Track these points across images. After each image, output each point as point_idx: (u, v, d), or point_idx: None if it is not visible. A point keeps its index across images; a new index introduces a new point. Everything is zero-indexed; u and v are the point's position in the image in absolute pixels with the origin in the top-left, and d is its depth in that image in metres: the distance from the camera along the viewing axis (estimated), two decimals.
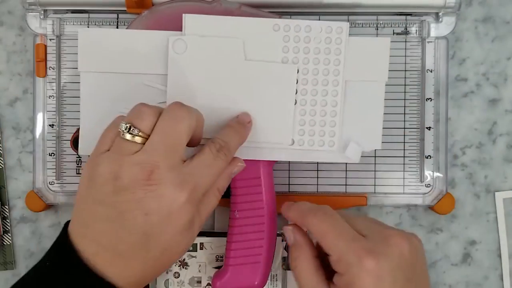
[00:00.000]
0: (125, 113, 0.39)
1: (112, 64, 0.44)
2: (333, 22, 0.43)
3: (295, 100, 0.44)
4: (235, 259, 0.45)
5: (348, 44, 0.44)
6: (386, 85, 0.50)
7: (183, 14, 0.43)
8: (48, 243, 0.53)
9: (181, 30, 0.43)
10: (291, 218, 0.42)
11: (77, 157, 0.51)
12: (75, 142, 0.49)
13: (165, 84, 0.43)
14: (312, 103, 0.44)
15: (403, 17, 0.50)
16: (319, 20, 0.50)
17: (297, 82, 0.44)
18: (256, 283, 0.45)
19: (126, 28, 0.45)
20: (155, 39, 0.43)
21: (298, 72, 0.44)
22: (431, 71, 0.50)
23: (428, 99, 0.50)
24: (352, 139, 0.45)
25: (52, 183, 0.51)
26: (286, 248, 0.51)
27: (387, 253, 0.36)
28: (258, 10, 0.46)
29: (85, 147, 0.44)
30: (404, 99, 0.51)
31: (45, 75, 0.50)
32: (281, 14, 0.46)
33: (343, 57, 0.44)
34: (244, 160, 0.43)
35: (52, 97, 0.50)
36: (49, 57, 0.50)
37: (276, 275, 0.50)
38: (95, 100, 0.44)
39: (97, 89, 0.44)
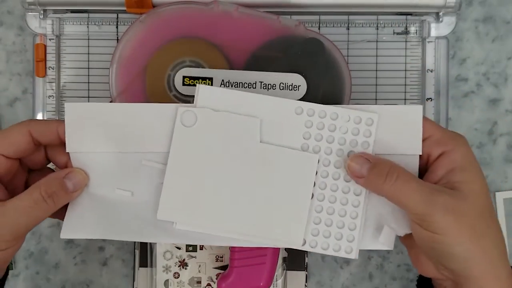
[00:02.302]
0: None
1: (105, 143, 0.39)
2: (363, 112, 0.39)
3: (312, 194, 0.39)
4: (240, 260, 0.45)
5: (376, 137, 0.39)
6: (387, 85, 0.50)
7: (197, 84, 0.39)
8: (47, 243, 0.53)
9: (180, 34, 0.42)
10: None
11: None
12: None
13: (165, 163, 0.39)
14: (331, 199, 0.39)
15: (403, 17, 0.50)
16: (318, 20, 0.50)
17: (316, 174, 0.39)
18: (261, 284, 0.45)
19: (125, 31, 0.45)
20: (159, 112, 0.39)
21: (318, 162, 0.39)
22: (432, 71, 0.50)
23: (429, 99, 0.50)
24: (383, 221, 0.39)
25: None
26: (286, 248, 0.51)
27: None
28: (255, 10, 0.46)
29: (70, 232, 0.40)
30: (405, 99, 0.50)
31: (44, 75, 0.50)
32: (279, 14, 0.46)
33: (371, 151, 0.39)
34: None
35: (52, 97, 0.50)
36: (48, 57, 0.50)
37: (277, 275, 0.50)
38: (90, 182, 0.40)
39: (91, 170, 0.40)
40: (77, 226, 0.40)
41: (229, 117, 0.39)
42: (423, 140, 0.39)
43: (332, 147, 0.39)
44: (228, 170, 0.39)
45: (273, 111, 0.39)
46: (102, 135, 0.39)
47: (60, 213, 0.40)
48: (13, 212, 0.37)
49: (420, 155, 0.39)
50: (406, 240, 0.41)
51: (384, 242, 0.39)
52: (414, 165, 0.39)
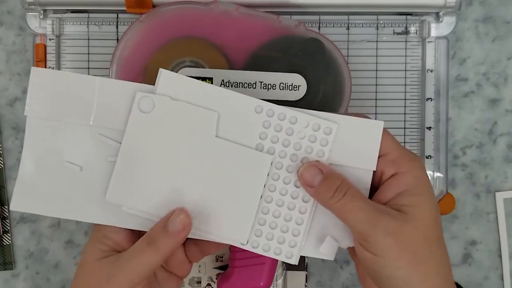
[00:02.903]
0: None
1: (65, 112, 0.39)
2: (323, 120, 0.38)
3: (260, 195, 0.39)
4: (240, 260, 0.45)
5: (333, 149, 0.38)
6: (386, 85, 0.50)
7: (160, 69, 0.38)
8: (47, 244, 0.53)
9: (179, 34, 0.42)
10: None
11: None
12: None
13: (120, 141, 0.39)
14: (278, 203, 0.39)
15: (403, 17, 0.50)
16: (318, 20, 0.50)
17: (267, 175, 0.39)
18: (261, 284, 0.45)
19: (125, 31, 0.45)
20: (119, 90, 0.38)
21: (271, 164, 0.38)
22: (432, 71, 0.50)
23: (429, 99, 0.50)
24: (326, 230, 0.39)
25: None
26: None
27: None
28: (256, 10, 0.46)
29: (20, 202, 0.39)
30: (404, 99, 0.50)
31: None
32: (279, 14, 0.46)
33: (326, 161, 0.38)
34: None
35: None
36: (48, 57, 0.50)
37: (277, 275, 0.50)
38: (41, 150, 0.39)
39: (44, 137, 0.39)
40: (26, 199, 0.39)
41: (187, 108, 0.38)
42: (379, 157, 0.38)
43: (286, 151, 0.39)
44: (181, 161, 0.38)
45: (233, 107, 0.38)
46: (62, 104, 0.39)
47: (174, 261, 0.41)
48: (124, 259, 0.37)
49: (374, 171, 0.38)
50: (354, 256, 0.40)
51: (325, 253, 0.39)
52: (366, 180, 0.38)
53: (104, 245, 0.39)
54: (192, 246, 0.41)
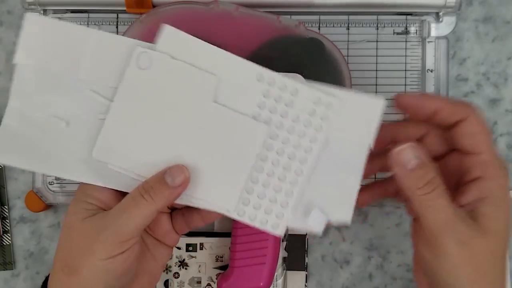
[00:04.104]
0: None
1: (57, 62, 0.37)
2: (324, 94, 0.37)
3: None
4: (240, 260, 0.45)
5: (331, 123, 0.38)
6: (386, 85, 0.50)
7: (163, 24, 0.37)
8: (47, 244, 0.53)
9: None
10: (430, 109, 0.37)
11: None
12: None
13: (111, 99, 0.37)
14: (269, 173, 0.38)
15: (403, 16, 0.50)
16: (318, 20, 0.50)
17: (261, 145, 0.38)
18: (261, 284, 0.45)
19: (125, 31, 0.45)
20: (117, 45, 0.37)
21: (266, 134, 0.38)
22: (432, 71, 0.50)
23: None
24: (316, 204, 0.38)
25: (52, 183, 0.51)
26: (286, 248, 0.51)
27: None
28: (256, 11, 0.46)
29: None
30: None
31: None
32: (279, 14, 0.46)
33: (323, 136, 0.37)
34: None
35: None
36: None
37: (277, 275, 0.50)
38: (28, 101, 0.38)
39: (33, 88, 0.37)
40: (7, 149, 0.37)
41: (186, 69, 0.37)
42: (470, 154, 0.37)
43: (283, 122, 0.38)
44: (174, 123, 0.37)
45: (234, 72, 0.37)
46: (54, 54, 0.37)
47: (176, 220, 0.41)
48: (114, 213, 0.36)
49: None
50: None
51: (312, 225, 0.38)
52: (362, 156, 0.38)
53: (89, 204, 0.37)
54: (179, 218, 0.41)
